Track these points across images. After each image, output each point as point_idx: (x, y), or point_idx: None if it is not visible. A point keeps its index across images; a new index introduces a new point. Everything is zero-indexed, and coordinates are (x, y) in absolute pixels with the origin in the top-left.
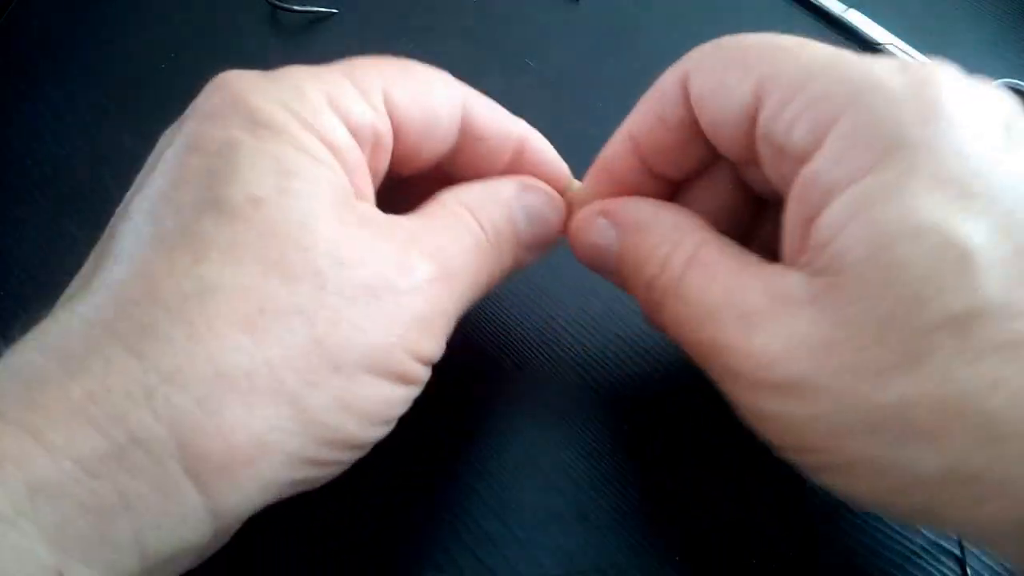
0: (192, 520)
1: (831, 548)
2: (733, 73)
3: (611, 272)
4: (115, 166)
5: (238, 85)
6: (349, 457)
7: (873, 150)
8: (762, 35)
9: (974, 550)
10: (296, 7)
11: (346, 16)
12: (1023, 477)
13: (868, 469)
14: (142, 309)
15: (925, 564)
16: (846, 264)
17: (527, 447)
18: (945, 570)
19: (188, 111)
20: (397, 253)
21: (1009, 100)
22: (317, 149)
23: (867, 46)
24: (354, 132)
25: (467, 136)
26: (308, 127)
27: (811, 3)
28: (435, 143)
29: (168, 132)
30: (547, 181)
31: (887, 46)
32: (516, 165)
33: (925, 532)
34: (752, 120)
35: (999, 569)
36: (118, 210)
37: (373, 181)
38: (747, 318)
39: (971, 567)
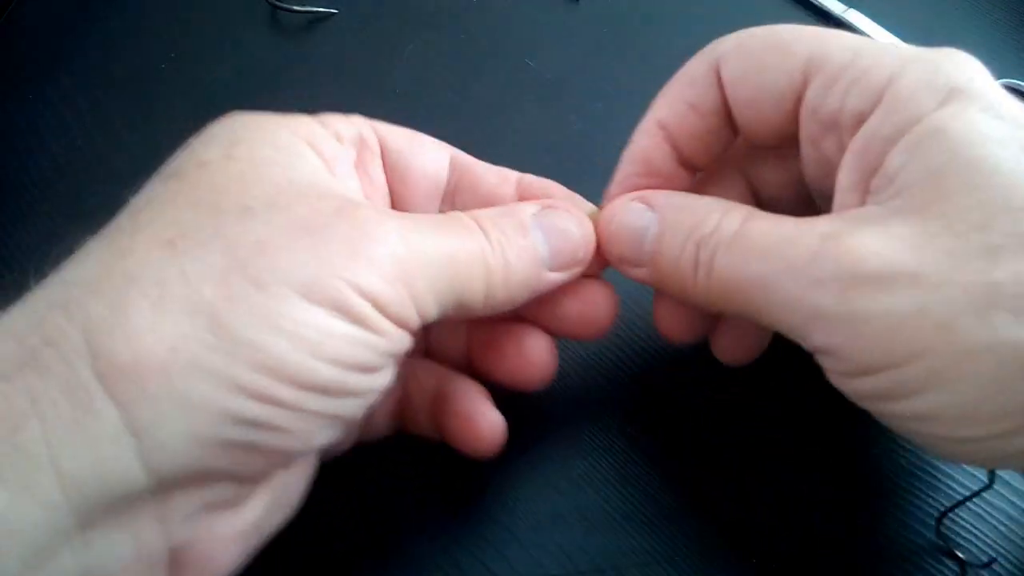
0: (109, 437)
1: (831, 548)
2: (775, 55)
3: (640, 257)
4: (115, 166)
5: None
6: (314, 403)
7: (935, 95)
8: (797, 25)
9: (975, 551)
10: (296, 7)
11: (346, 16)
12: None
13: (977, 360)
14: (82, 252)
15: (926, 564)
16: (926, 175)
17: (527, 447)
18: (945, 570)
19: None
20: (348, 205)
21: None
22: (286, 138)
23: None
24: (336, 136)
25: (463, 173)
26: (282, 125)
27: (811, 3)
28: (424, 161)
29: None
30: None
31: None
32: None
33: (925, 532)
34: (796, 99)
35: (999, 570)
36: None
37: (373, 187)
38: (829, 235)
39: (971, 567)
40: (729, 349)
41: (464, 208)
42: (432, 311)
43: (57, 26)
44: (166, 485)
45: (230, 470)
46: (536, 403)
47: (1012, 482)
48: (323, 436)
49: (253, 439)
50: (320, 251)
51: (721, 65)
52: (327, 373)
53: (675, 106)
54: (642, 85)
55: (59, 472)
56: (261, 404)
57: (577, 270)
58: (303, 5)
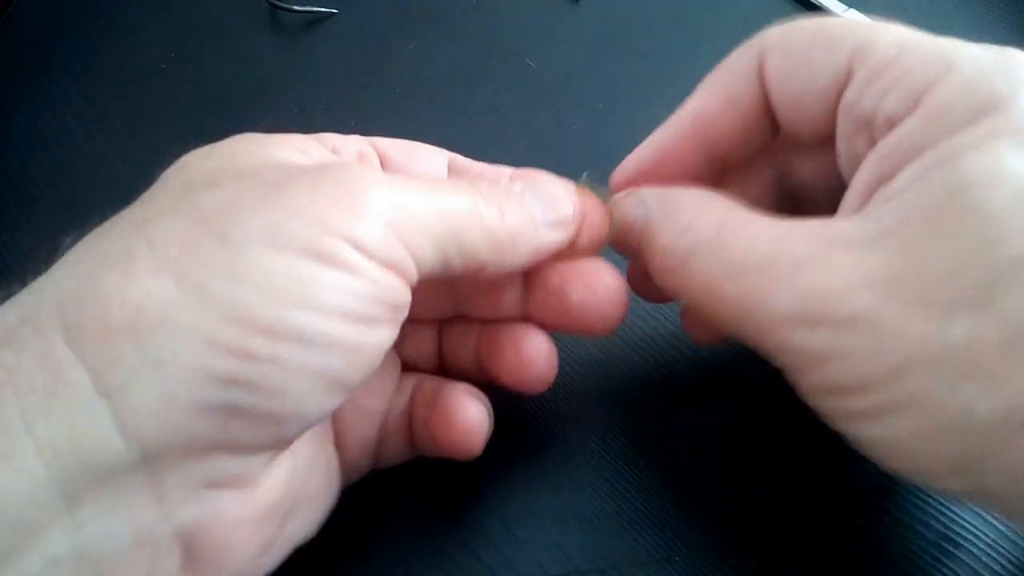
0: (81, 402)
1: (831, 548)
2: (822, 47)
3: (636, 247)
4: (115, 166)
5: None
6: (294, 356)
7: (968, 112)
8: (844, 19)
9: (974, 551)
10: (296, 7)
11: (346, 16)
12: None
13: (920, 409)
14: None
15: (926, 564)
16: (919, 206)
17: (527, 447)
18: (946, 571)
19: None
20: (329, 165)
21: None
22: (275, 149)
23: None
24: (333, 150)
25: (461, 176)
26: (279, 142)
27: (811, 3)
28: (426, 170)
29: None
30: None
31: None
32: None
33: (925, 532)
34: (838, 93)
35: (999, 570)
36: None
37: None
38: (799, 262)
39: (972, 567)
40: (695, 328)
41: None
42: (431, 259)
43: (57, 26)
44: (152, 456)
45: (221, 439)
46: (536, 403)
47: None
48: (316, 402)
49: (235, 400)
50: (289, 203)
51: (765, 59)
52: (303, 320)
53: (713, 98)
54: (642, 85)
55: (37, 442)
56: (235, 359)
57: (571, 230)
58: (303, 5)
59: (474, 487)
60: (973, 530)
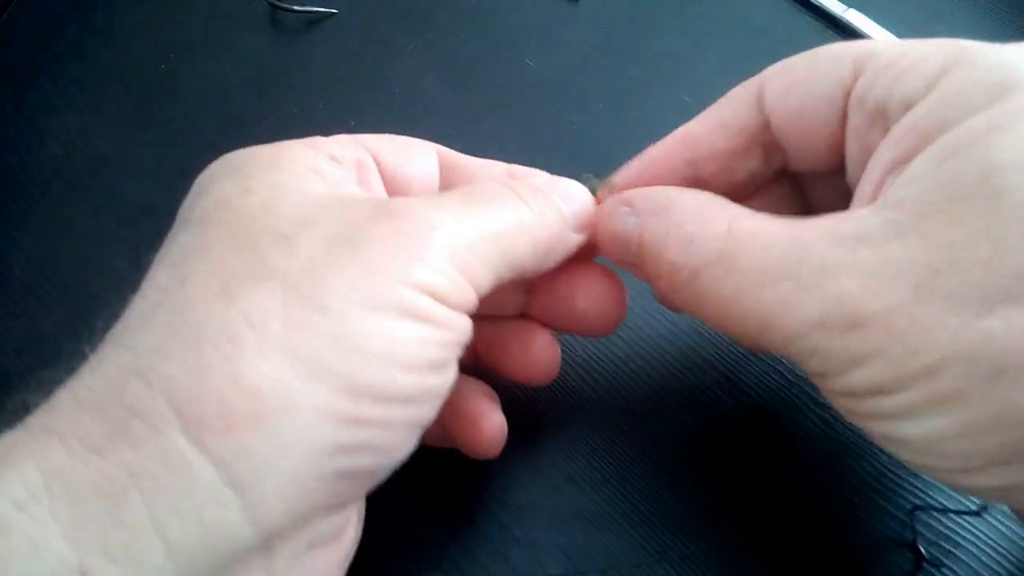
0: (211, 500)
1: (830, 548)
2: (824, 60)
3: (633, 262)
4: (115, 166)
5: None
6: (398, 414)
7: (987, 93)
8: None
9: (974, 551)
10: (296, 7)
11: (346, 16)
12: None
13: (957, 405)
14: (128, 314)
15: (926, 564)
16: (944, 193)
17: (527, 447)
18: (946, 571)
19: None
20: (379, 207)
21: None
22: (289, 162)
23: None
24: (332, 158)
25: (450, 168)
26: (281, 152)
27: (811, 3)
28: (419, 165)
29: None
30: None
31: None
32: None
33: (925, 532)
34: (844, 96)
35: (999, 570)
36: None
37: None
38: (825, 266)
39: (972, 567)
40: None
41: None
42: (487, 284)
43: (57, 26)
44: (273, 535)
45: (329, 503)
46: (536, 403)
47: None
48: (408, 447)
49: (350, 465)
50: (369, 259)
51: (765, 85)
52: (406, 380)
53: (705, 123)
54: (642, 85)
55: (167, 544)
56: (353, 428)
57: (589, 233)
58: (303, 5)
59: (474, 487)
60: (973, 530)
